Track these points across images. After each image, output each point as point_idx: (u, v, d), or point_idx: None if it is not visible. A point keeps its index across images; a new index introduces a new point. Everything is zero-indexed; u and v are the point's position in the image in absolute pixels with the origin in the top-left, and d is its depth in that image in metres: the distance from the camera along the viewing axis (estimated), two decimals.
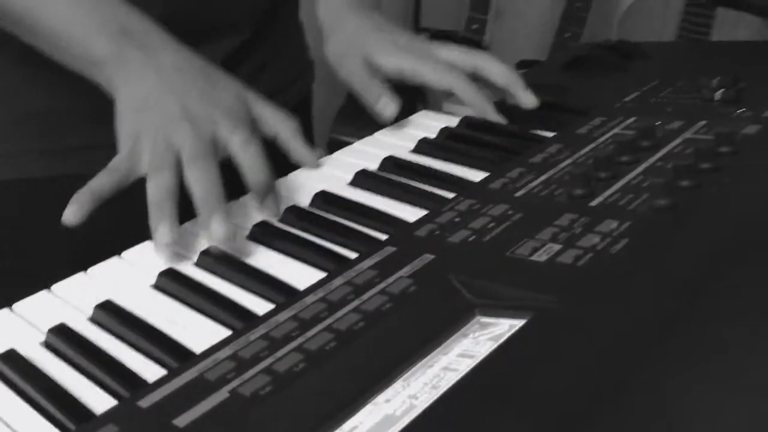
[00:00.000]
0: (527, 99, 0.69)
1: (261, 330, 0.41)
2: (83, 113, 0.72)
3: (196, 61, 0.63)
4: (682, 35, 1.71)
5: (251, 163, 0.56)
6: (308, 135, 1.00)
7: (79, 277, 0.51)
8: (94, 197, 0.54)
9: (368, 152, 0.67)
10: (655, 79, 0.73)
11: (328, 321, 0.41)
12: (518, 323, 0.39)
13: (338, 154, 0.68)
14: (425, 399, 0.35)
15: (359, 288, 0.44)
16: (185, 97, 0.58)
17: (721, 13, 1.67)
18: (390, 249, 0.48)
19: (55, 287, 0.50)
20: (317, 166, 0.64)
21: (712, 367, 0.33)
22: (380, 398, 0.36)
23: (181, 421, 0.34)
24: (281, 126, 0.62)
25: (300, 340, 0.40)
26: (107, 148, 0.73)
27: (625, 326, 0.36)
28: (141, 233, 0.55)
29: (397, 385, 0.37)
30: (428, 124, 0.73)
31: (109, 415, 0.36)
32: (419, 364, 0.38)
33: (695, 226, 0.45)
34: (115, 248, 0.63)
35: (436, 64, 0.71)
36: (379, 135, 0.72)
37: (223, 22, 0.78)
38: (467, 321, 0.41)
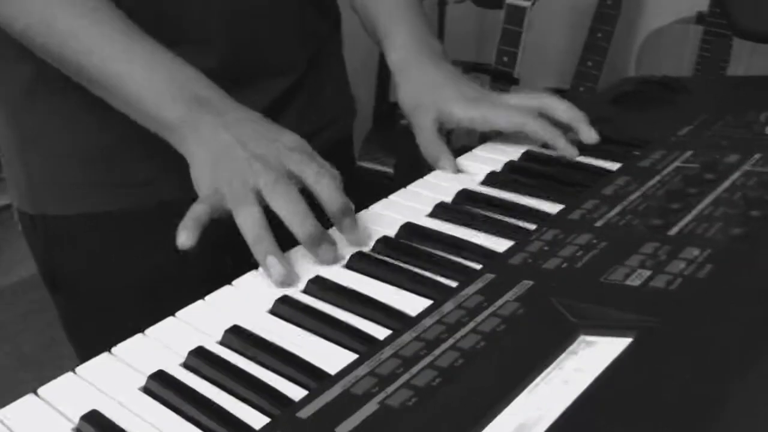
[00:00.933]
0: (590, 135, 0.74)
1: (389, 350, 0.46)
2: (148, 148, 0.76)
3: (259, 117, 0.68)
4: (700, 65, 1.77)
5: (328, 192, 0.61)
6: (351, 168, 1.05)
7: (199, 304, 0.56)
8: (197, 223, 0.60)
9: (440, 185, 0.72)
10: (703, 113, 0.78)
11: (451, 341, 0.46)
12: (624, 342, 0.44)
13: (412, 188, 0.73)
14: (554, 410, 0.40)
15: (471, 311, 0.48)
16: (252, 144, 0.64)
17: (737, 43, 1.73)
18: (489, 276, 0.53)
19: (180, 314, 0.55)
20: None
21: None
22: (510, 409, 0.41)
23: (342, 429, 0.39)
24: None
25: (429, 358, 0.44)
26: (169, 181, 0.79)
27: (726, 344, 0.41)
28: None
29: (523, 397, 0.41)
30: (491, 157, 0.78)
31: (274, 425, 0.41)
32: (539, 378, 0.43)
33: None
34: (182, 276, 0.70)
35: (505, 110, 0.77)
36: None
37: (276, 63, 0.83)
38: (573, 340, 0.45)
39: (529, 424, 0.39)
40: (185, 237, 0.60)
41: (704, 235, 0.53)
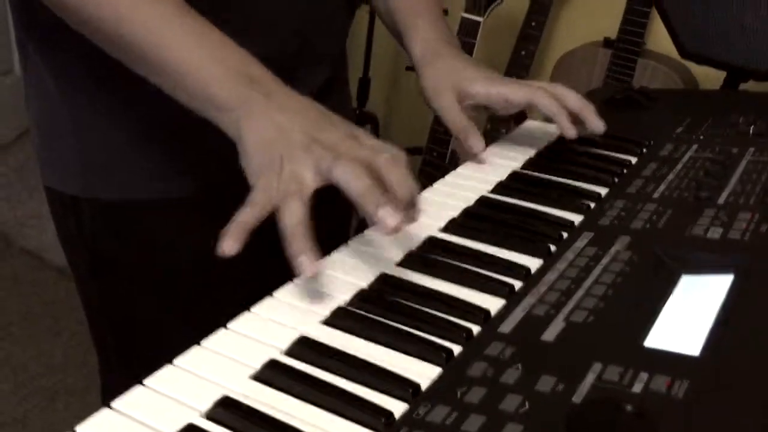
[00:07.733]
0: (598, 124, 0.81)
1: (543, 286, 0.57)
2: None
3: (312, 102, 0.65)
4: (608, 83, 1.99)
5: (399, 178, 0.59)
6: None
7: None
8: (244, 229, 0.57)
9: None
10: (685, 118, 0.94)
11: (598, 269, 0.57)
12: (727, 278, 0.57)
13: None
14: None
15: (594, 257, 0.60)
16: (310, 129, 0.62)
17: (639, 65, 1.96)
18: (588, 234, 0.65)
19: (255, 310, 0.57)
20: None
21: None
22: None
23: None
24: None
25: (583, 289, 0.56)
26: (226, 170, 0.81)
27: None
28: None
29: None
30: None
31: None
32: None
33: None
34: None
35: (519, 85, 0.83)
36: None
37: (320, 52, 0.87)
38: (678, 280, 0.58)
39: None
40: (230, 245, 0.56)
41: (747, 203, 0.68)
